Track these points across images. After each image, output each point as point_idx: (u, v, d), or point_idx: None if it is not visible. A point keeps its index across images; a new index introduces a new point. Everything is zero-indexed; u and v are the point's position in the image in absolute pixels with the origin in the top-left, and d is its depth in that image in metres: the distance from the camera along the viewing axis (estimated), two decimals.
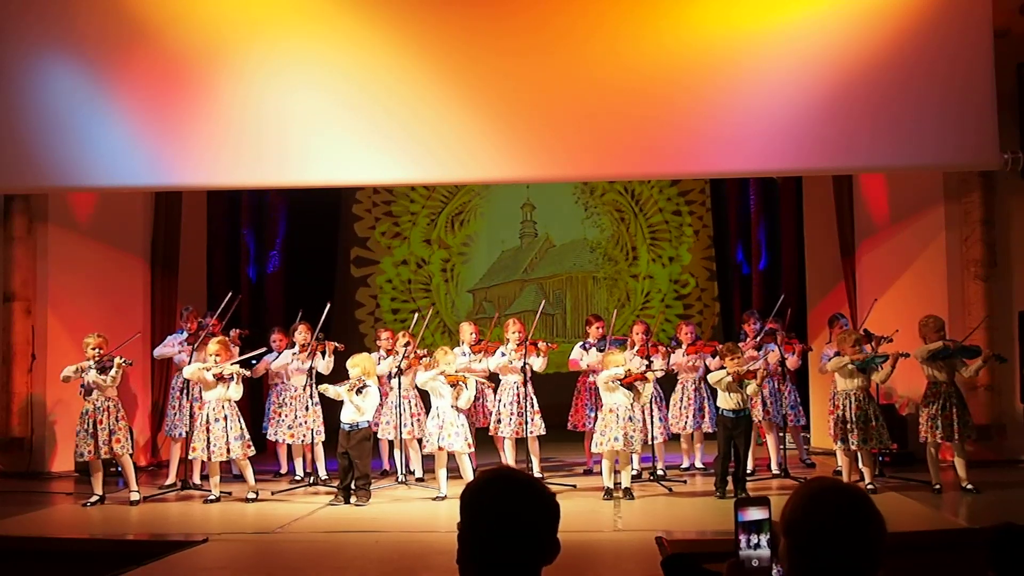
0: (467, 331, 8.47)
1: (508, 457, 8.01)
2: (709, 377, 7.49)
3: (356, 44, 7.81)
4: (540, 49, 7.70)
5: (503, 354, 7.98)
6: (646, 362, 7.39)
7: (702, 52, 7.66)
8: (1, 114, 7.88)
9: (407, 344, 8.09)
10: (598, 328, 8.36)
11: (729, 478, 7.07)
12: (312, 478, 8.00)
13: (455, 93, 7.72)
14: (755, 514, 2.09)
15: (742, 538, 2.08)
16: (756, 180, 10.76)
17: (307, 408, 7.99)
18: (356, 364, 7.26)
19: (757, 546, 2.07)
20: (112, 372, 7.26)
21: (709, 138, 7.67)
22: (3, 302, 8.75)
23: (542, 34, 7.72)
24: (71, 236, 8.99)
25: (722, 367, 7.23)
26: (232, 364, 7.36)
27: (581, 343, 8.46)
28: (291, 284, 11.22)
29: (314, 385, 7.80)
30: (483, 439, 8.22)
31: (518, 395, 7.89)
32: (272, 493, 7.53)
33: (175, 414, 8.12)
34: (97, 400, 7.28)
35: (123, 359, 7.34)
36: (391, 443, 8.36)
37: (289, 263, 11.33)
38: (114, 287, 9.13)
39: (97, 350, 7.32)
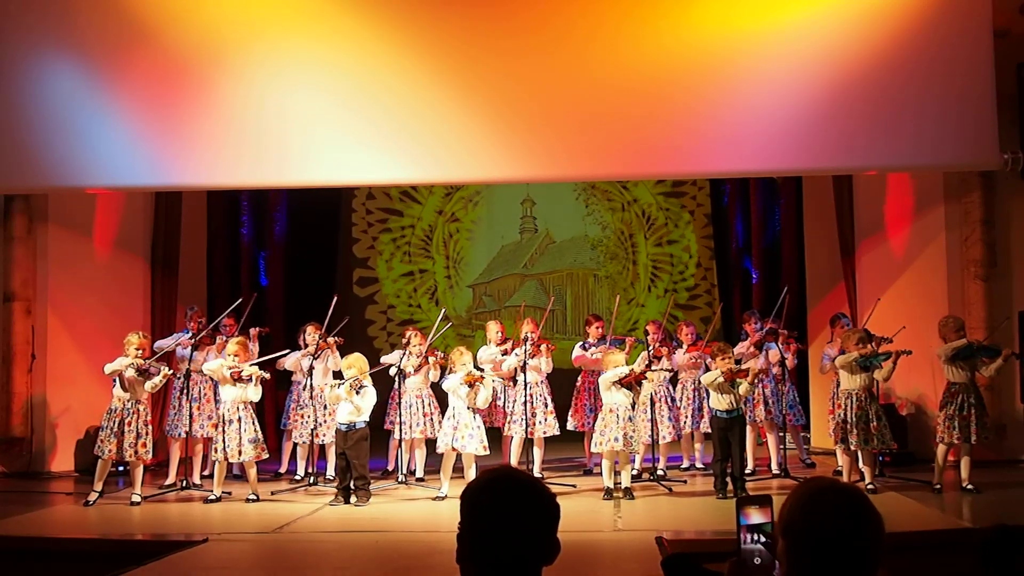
0: (493, 329, 8.41)
1: (511, 456, 8.00)
2: (703, 378, 7.50)
3: (356, 44, 7.81)
4: (540, 49, 7.70)
5: (517, 355, 7.98)
6: (646, 363, 7.40)
7: (702, 52, 7.66)
8: (1, 114, 7.88)
9: (414, 345, 8.04)
10: (597, 328, 8.37)
11: (728, 479, 7.07)
12: (313, 478, 7.98)
13: (455, 93, 7.72)
14: (757, 512, 2.09)
15: (744, 537, 2.08)
16: (755, 180, 10.76)
17: (325, 407, 7.96)
18: (352, 364, 7.25)
19: (759, 544, 2.07)
20: (156, 379, 7.20)
21: (709, 138, 7.67)
22: (3, 302, 8.75)
23: (542, 34, 7.72)
24: (71, 236, 8.99)
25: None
26: (251, 365, 7.34)
27: (581, 343, 8.47)
28: (292, 286, 11.19)
29: (328, 385, 7.77)
30: (497, 438, 8.17)
31: (531, 395, 7.86)
32: (272, 493, 7.53)
33: (175, 414, 8.11)
34: (128, 401, 7.20)
35: (170, 370, 7.29)
36: (400, 442, 8.24)
37: (290, 269, 11.28)
38: (114, 287, 9.13)
39: (140, 350, 7.24)
